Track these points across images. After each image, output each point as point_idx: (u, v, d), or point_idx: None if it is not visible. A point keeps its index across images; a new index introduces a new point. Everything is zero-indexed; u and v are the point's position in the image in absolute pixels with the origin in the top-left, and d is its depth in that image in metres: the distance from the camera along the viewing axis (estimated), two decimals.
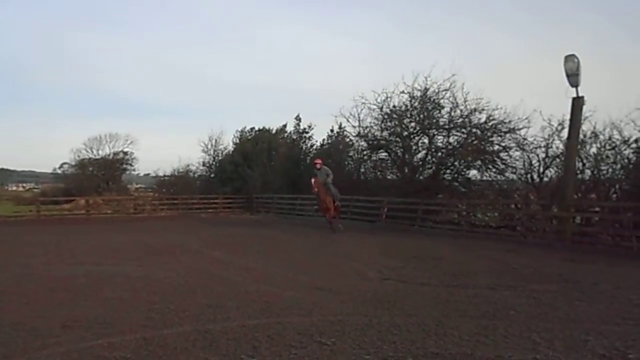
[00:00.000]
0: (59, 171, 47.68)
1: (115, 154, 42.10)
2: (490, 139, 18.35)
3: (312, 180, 14.93)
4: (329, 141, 26.08)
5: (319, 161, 15.68)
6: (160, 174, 37.16)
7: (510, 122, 17.72)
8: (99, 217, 22.96)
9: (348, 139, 24.13)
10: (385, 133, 21.03)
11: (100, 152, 42.28)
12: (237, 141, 31.38)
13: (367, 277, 8.21)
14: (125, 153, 42.27)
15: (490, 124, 18.23)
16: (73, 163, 43.51)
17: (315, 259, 10.33)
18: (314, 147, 27.39)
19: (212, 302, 6.33)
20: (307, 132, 27.62)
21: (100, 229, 17.57)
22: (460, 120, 18.95)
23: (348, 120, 22.62)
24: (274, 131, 30.24)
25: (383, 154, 21.63)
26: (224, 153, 32.16)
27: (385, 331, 5.08)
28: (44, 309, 6.07)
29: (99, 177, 40.61)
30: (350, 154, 23.56)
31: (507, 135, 17.84)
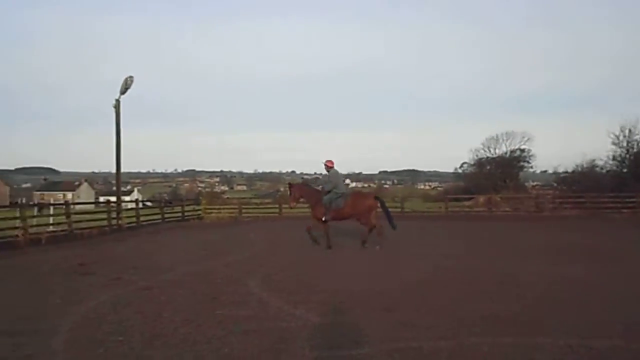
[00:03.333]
0: (459, 170, 51.46)
1: (512, 151, 42.36)
2: None
3: (290, 190, 12.97)
4: None
5: (328, 163, 12.17)
6: (560, 170, 35.23)
7: None
8: (499, 215, 23.38)
9: None
10: None
11: (497, 150, 43.39)
12: None
13: None
14: (522, 150, 42.04)
15: None
16: (472, 162, 46.13)
17: None
18: None
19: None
20: None
21: (511, 227, 17.81)
22: None
23: None
24: None
25: None
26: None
27: None
28: (462, 299, 6.45)
29: (496, 175, 41.61)
30: None
31: None
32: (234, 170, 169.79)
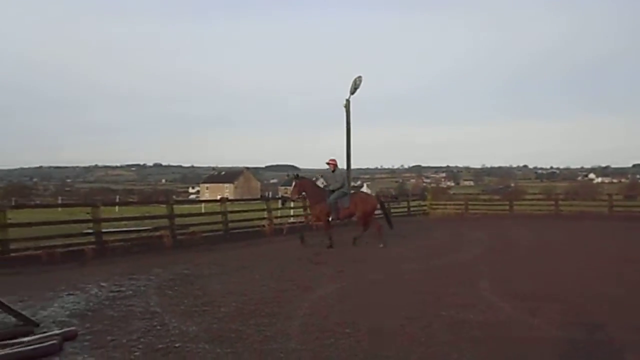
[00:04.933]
0: None
1: None
2: None
3: (292, 184, 12.75)
4: None
5: (332, 162, 12.13)
6: None
7: None
8: None
9: None
10: None
11: None
12: None
13: None
14: None
15: None
16: None
17: None
18: None
19: None
20: None
21: None
22: None
23: None
24: None
25: None
26: None
27: None
28: None
29: None
30: None
31: None
32: (460, 165, 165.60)
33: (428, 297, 6.43)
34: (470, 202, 26.17)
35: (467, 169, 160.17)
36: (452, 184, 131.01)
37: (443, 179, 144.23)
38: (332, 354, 4.32)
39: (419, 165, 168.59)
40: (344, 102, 20.55)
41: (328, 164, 12.11)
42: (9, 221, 10.00)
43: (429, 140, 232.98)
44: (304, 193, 12.34)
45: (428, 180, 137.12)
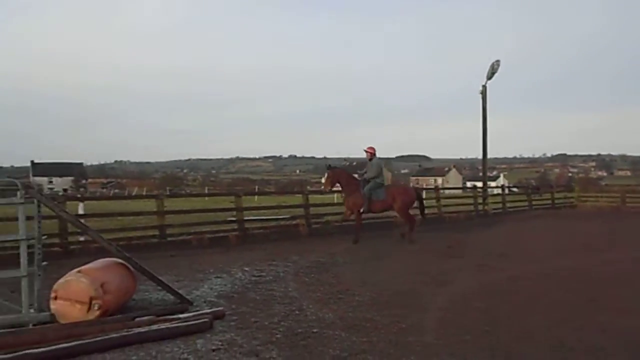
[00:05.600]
0: None
1: None
2: None
3: (326, 174, 11.74)
4: None
5: (370, 150, 11.29)
6: None
7: None
8: None
9: None
10: None
11: None
12: None
13: None
14: None
15: None
16: None
17: None
18: None
19: None
20: None
21: None
22: None
23: None
24: None
25: None
26: None
27: None
28: None
29: None
30: None
31: None
32: (613, 153, 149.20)
33: (580, 298, 5.88)
34: (627, 194, 23.44)
35: (623, 157, 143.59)
36: (604, 174, 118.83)
37: (593, 169, 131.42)
38: (470, 351, 4.13)
39: (564, 154, 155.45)
40: (480, 88, 19.63)
41: (366, 151, 11.46)
42: (165, 209, 11.11)
43: (575, 126, 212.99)
44: (338, 184, 11.56)
45: (575, 170, 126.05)
